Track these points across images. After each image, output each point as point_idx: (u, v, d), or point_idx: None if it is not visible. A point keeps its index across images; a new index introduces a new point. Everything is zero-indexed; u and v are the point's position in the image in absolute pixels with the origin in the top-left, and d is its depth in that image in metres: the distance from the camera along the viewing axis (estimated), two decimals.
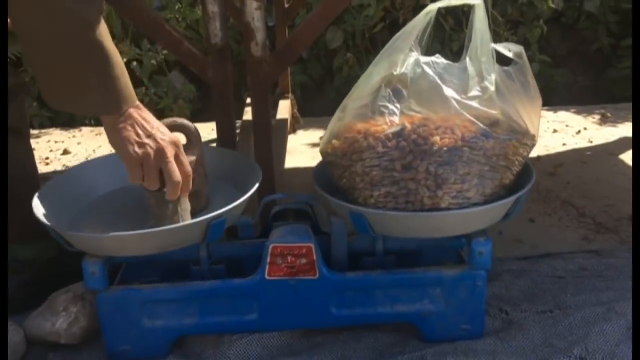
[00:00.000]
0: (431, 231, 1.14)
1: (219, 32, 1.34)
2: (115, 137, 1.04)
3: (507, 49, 1.15)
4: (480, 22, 1.10)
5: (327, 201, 1.19)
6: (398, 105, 1.09)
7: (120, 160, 1.06)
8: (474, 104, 1.09)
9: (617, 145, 2.33)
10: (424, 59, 1.10)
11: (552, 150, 2.32)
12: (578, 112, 2.77)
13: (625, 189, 1.91)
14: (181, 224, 1.10)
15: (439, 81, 1.08)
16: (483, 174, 1.09)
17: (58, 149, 2.56)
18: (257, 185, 1.18)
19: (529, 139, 1.15)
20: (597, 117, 2.70)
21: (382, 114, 1.10)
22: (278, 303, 1.17)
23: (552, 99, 2.79)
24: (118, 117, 1.03)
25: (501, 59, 1.14)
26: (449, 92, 1.08)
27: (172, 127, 1.19)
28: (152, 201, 1.10)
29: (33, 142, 2.70)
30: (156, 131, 1.05)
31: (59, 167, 2.35)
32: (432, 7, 1.08)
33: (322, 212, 1.26)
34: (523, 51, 1.17)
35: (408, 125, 1.08)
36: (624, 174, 2.04)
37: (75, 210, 1.22)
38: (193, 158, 1.17)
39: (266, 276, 1.15)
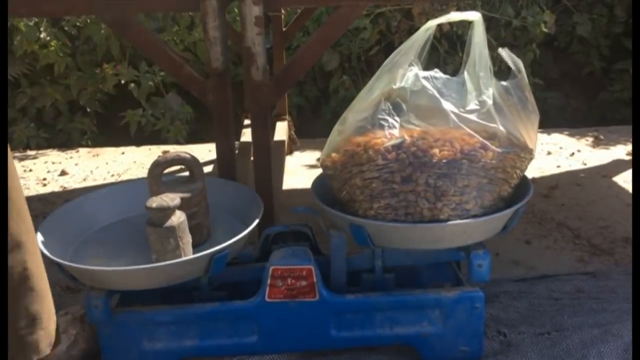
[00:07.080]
0: (431, 242, 1.14)
1: (219, 57, 1.36)
2: None
3: (510, 58, 1.17)
4: (478, 37, 1.12)
5: (327, 214, 1.19)
6: (398, 119, 1.11)
7: None
8: (473, 117, 1.10)
9: (611, 168, 2.36)
10: (423, 73, 1.11)
11: (547, 172, 2.34)
12: (571, 135, 2.80)
13: (619, 210, 1.93)
14: (186, 258, 1.10)
15: (438, 95, 1.10)
16: (482, 187, 1.11)
17: (56, 170, 2.56)
18: (258, 219, 1.19)
19: (527, 153, 1.16)
20: (590, 139, 2.73)
21: (381, 127, 1.11)
22: (278, 325, 1.17)
23: (546, 122, 2.81)
24: None
25: (498, 75, 1.16)
26: (447, 105, 1.10)
27: (175, 161, 1.20)
28: (153, 237, 1.10)
29: (30, 163, 2.73)
30: None
31: (56, 189, 2.34)
32: (432, 24, 1.10)
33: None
34: (522, 65, 1.18)
35: (407, 138, 1.10)
36: (617, 196, 2.07)
37: (77, 243, 1.23)
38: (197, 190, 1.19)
39: (266, 298, 1.16)
